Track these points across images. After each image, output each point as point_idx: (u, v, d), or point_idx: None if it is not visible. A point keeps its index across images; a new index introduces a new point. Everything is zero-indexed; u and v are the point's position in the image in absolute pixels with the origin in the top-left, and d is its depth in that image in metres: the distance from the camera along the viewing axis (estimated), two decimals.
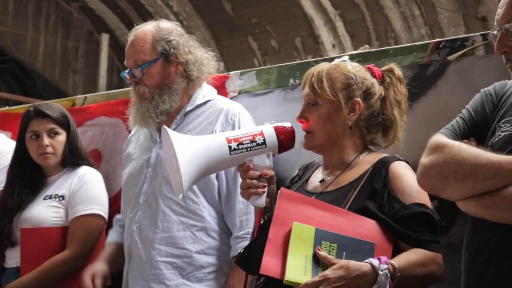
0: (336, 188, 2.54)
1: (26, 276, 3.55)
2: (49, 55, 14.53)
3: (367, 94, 2.60)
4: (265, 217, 2.53)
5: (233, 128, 3.10)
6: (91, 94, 4.39)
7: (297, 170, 2.83)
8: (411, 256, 2.34)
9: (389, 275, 2.24)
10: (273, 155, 2.57)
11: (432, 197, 2.76)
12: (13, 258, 3.70)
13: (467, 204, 2.25)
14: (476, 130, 2.41)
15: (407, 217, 2.40)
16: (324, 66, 2.63)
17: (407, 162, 2.56)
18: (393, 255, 2.36)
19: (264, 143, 2.50)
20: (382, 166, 2.49)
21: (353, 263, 2.25)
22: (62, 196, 3.68)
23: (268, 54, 13.79)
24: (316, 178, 2.67)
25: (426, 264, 2.35)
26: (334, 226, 2.35)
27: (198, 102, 3.23)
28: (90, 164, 3.80)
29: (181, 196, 2.51)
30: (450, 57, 3.01)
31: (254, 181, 2.50)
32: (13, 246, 3.68)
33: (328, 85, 2.57)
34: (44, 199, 3.70)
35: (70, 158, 3.75)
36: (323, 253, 2.28)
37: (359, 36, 12.69)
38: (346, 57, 2.67)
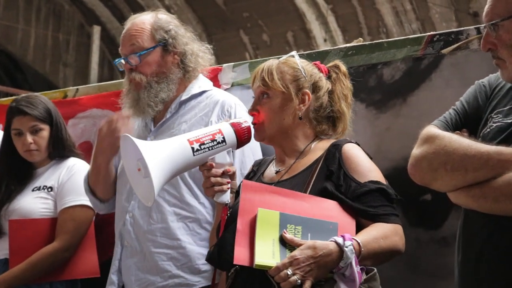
0: (292, 175, 2.61)
1: (15, 268, 3.53)
2: (40, 48, 14.48)
3: (315, 87, 2.71)
4: (228, 212, 2.58)
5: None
6: (83, 86, 4.36)
7: (251, 167, 2.88)
8: (373, 230, 2.41)
9: (354, 251, 2.30)
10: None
11: (425, 191, 2.77)
12: (1, 249, 3.67)
13: (457, 195, 2.26)
14: (469, 121, 2.42)
15: (364, 194, 2.47)
16: (273, 61, 2.73)
17: (358, 144, 2.64)
18: (356, 233, 2.43)
19: (224, 140, 2.56)
20: (335, 149, 2.58)
21: (319, 243, 2.31)
22: (51, 188, 3.67)
23: (259, 48, 13.78)
24: (271, 170, 2.74)
25: (388, 236, 2.41)
26: (297, 210, 2.41)
27: (194, 92, 3.22)
28: (77, 156, 3.79)
29: (150, 203, 2.55)
30: (444, 51, 3.01)
31: (218, 178, 2.57)
32: (0, 237, 3.66)
33: (278, 77, 2.67)
34: (33, 190, 3.69)
35: (55, 151, 3.74)
36: (289, 235, 2.34)
37: (350, 30, 12.69)
38: (294, 53, 2.77)
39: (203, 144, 2.52)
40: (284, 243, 2.33)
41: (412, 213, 2.99)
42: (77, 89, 4.27)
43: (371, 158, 2.61)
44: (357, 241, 2.33)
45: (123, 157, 2.66)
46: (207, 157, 2.54)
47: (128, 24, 3.23)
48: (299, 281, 2.25)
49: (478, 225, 2.27)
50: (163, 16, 3.24)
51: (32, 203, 3.64)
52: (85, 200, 3.53)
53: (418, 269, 2.97)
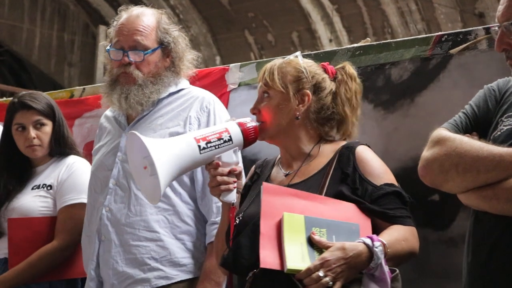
0: (304, 179, 2.60)
1: (15, 268, 3.51)
2: (45, 47, 14.51)
3: (317, 87, 2.68)
4: (239, 217, 2.57)
5: (208, 116, 3.10)
6: (90, 86, 4.36)
7: (254, 168, 2.85)
8: (394, 232, 2.40)
9: (383, 251, 2.29)
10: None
11: (433, 191, 2.76)
12: (1, 249, 3.64)
13: (468, 196, 2.25)
14: (479, 125, 2.41)
15: (381, 197, 2.47)
16: (277, 61, 2.73)
17: (369, 146, 2.63)
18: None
19: (230, 139, 2.54)
20: (348, 152, 2.57)
21: (348, 244, 2.30)
22: (50, 186, 3.64)
23: (264, 49, 13.79)
24: (278, 173, 2.72)
25: (408, 238, 2.42)
26: (318, 213, 2.40)
27: (172, 90, 3.20)
28: (77, 153, 3.77)
29: (155, 202, 2.56)
30: (452, 51, 2.99)
31: (225, 177, 2.54)
32: (0, 237, 3.64)
33: (278, 77, 2.65)
34: (32, 189, 3.66)
35: (57, 148, 3.71)
36: (317, 237, 2.32)
37: (356, 31, 12.70)
38: (298, 53, 2.76)
39: (210, 142, 2.50)
40: (312, 246, 2.32)
41: (420, 213, 2.97)
42: (84, 88, 4.27)
43: None
44: (382, 242, 2.32)
45: (129, 154, 2.64)
46: (213, 155, 2.52)
47: (128, 15, 3.18)
48: (330, 282, 2.23)
49: (489, 226, 2.26)
50: (165, 18, 3.22)
51: (32, 201, 3.62)
52: (85, 198, 3.50)
53: (426, 269, 2.97)
